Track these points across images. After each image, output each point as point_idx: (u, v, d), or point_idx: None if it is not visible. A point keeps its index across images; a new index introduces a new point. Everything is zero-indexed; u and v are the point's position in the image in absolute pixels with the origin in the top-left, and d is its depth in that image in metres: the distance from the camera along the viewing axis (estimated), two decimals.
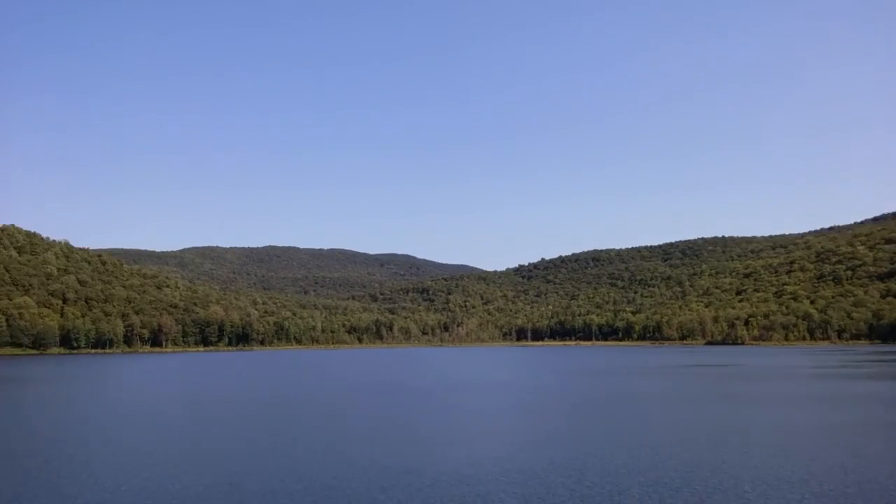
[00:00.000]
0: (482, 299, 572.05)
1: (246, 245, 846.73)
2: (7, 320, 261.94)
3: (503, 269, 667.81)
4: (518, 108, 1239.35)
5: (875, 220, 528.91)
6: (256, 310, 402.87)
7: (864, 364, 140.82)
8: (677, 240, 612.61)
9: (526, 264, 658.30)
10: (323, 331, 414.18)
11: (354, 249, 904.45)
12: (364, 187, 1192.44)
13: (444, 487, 32.55)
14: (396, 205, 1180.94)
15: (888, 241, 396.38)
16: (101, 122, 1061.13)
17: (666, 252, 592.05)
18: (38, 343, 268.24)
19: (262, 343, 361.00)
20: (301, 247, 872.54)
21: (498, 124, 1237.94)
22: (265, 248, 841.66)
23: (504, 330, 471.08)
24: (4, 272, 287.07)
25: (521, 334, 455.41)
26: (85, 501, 31.06)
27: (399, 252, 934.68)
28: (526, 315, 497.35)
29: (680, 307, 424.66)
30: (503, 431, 51.97)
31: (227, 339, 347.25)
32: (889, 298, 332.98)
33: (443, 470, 36.47)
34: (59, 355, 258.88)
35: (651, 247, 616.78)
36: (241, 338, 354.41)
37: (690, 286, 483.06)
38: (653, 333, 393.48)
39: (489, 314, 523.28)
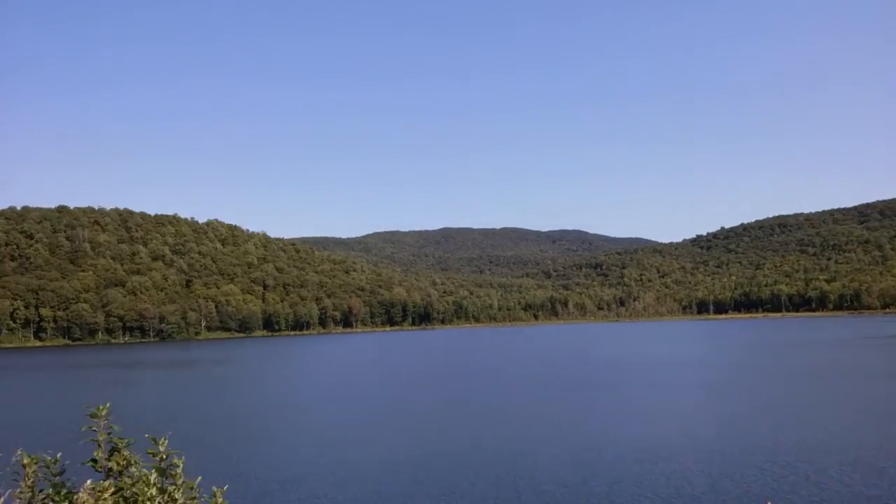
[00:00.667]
0: (658, 272, 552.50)
1: (423, 228, 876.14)
2: (216, 307, 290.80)
3: (679, 240, 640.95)
4: (692, 70, 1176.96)
5: None
6: (436, 290, 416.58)
7: None
8: (875, 200, 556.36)
9: (704, 234, 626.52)
10: (500, 308, 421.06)
11: (526, 227, 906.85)
12: (531, 165, 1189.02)
13: (627, 465, 33.29)
14: (566, 180, 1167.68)
15: None
16: (302, 118, 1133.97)
17: (862, 213, 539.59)
18: (244, 327, 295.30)
19: (442, 322, 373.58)
20: (475, 227, 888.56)
21: (656, 88, 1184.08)
22: (441, 230, 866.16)
23: (683, 303, 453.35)
24: (212, 263, 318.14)
25: (702, 307, 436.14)
26: (289, 473, 35.16)
27: (570, 228, 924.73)
28: (706, 287, 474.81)
29: (881, 273, 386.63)
30: (689, 408, 51.52)
31: (410, 319, 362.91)
32: None
33: (626, 447, 37.19)
34: (262, 337, 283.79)
35: (844, 209, 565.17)
36: (423, 317, 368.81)
37: (892, 250, 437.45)
38: (850, 302, 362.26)
39: (667, 287, 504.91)
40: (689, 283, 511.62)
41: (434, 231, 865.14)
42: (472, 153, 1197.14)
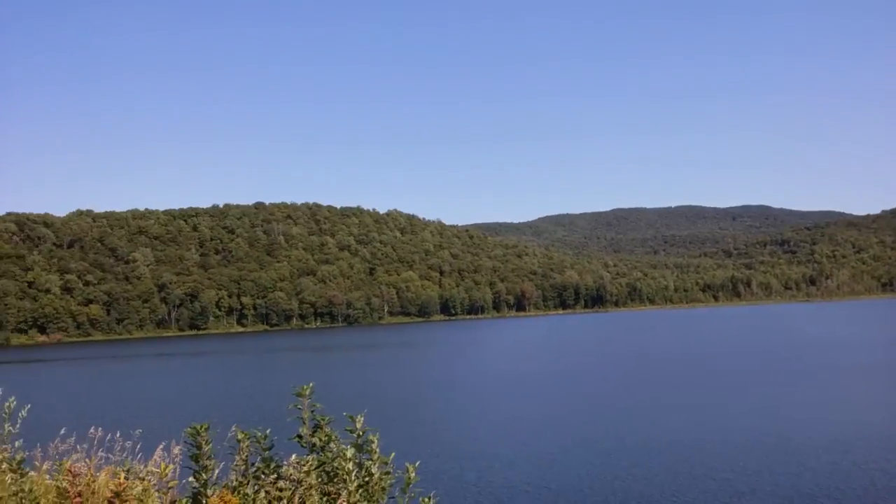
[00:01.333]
0: (853, 247, 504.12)
1: (595, 210, 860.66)
2: (397, 293, 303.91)
3: (877, 211, 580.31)
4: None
5: None
6: (608, 272, 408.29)
7: None
8: None
9: None
10: (676, 290, 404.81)
11: (703, 204, 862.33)
12: (704, 140, 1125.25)
13: (812, 454, 31.44)
14: (746, 152, 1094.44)
15: None
16: (440, 109, 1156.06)
17: None
18: (423, 311, 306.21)
19: (615, 304, 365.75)
20: (648, 207, 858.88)
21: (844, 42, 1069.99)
22: (613, 211, 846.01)
23: (883, 280, 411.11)
24: (392, 251, 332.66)
25: None
26: (470, 453, 36.15)
27: (752, 203, 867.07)
28: None
29: None
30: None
31: (582, 302, 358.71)
32: None
33: (815, 436, 35.05)
34: (440, 321, 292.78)
35: None
36: (596, 300, 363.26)
37: None
38: None
39: (863, 264, 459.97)
40: (890, 258, 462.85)
41: (606, 212, 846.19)
42: (641, 131, 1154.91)
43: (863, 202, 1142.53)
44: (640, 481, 28.25)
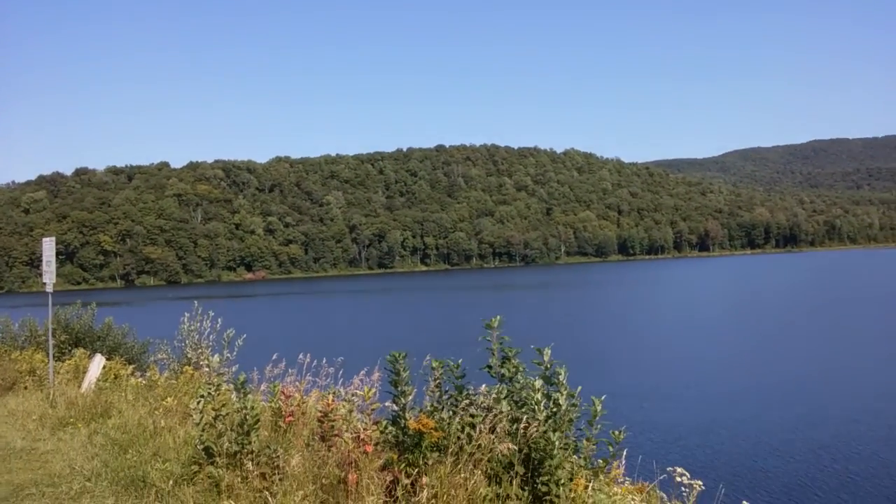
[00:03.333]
0: None
1: (788, 143, 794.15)
2: (574, 233, 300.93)
3: None
4: None
5: None
6: (804, 209, 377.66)
7: None
8: None
9: None
10: (881, 228, 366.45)
11: None
12: None
13: None
14: None
15: None
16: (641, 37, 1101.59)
17: None
18: (600, 251, 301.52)
19: (811, 244, 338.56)
20: (851, 137, 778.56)
21: None
22: (809, 143, 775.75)
23: None
24: (569, 191, 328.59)
25: None
26: (656, 394, 35.56)
27: None
28: None
29: None
30: None
31: (773, 241, 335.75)
32: None
33: None
34: (618, 262, 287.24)
35: None
36: (789, 239, 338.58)
37: None
38: None
39: None
40: None
41: (801, 144, 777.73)
42: (838, 54, 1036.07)
43: None
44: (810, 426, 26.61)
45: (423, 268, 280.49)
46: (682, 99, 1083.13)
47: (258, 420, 7.55)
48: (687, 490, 7.17)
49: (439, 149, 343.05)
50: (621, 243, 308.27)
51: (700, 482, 7.23)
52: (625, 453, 6.90)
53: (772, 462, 23.18)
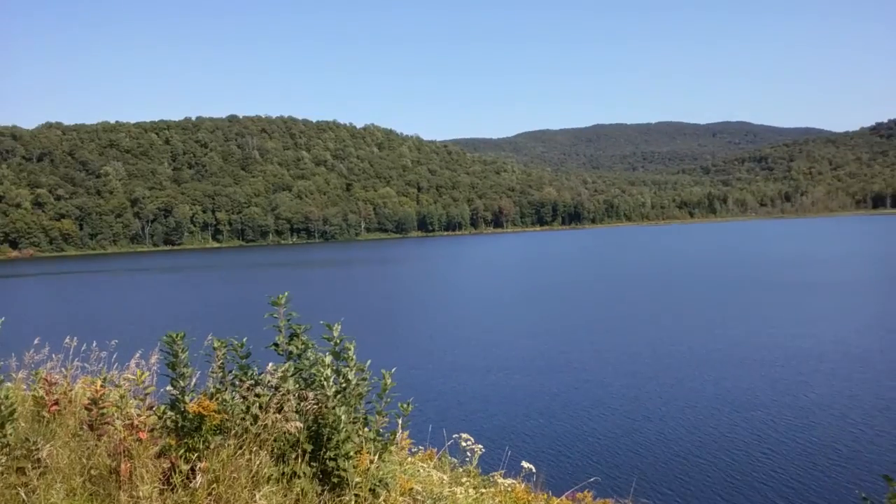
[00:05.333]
0: (830, 164, 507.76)
1: (574, 126, 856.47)
2: (374, 209, 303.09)
3: (856, 128, 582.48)
4: None
5: None
6: (587, 189, 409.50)
7: None
8: None
9: (885, 121, 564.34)
10: (653, 207, 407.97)
11: (683, 121, 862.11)
12: (688, 53, 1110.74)
13: (765, 367, 32.52)
14: (728, 69, 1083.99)
15: None
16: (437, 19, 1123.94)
17: None
18: (400, 228, 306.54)
19: (592, 221, 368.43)
20: (628, 123, 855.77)
21: None
22: (592, 127, 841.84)
23: (857, 197, 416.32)
24: (369, 167, 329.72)
25: (878, 201, 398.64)
26: (443, 365, 36.97)
27: (732, 119, 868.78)
28: (885, 179, 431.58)
29: None
30: (852, 310, 48.86)
31: (560, 219, 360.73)
32: None
33: (767, 350, 36.20)
34: (418, 238, 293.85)
35: None
36: (574, 217, 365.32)
37: None
38: None
39: (839, 181, 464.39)
40: (866, 175, 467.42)
41: (585, 128, 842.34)
42: (623, 44, 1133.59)
43: (843, 118, 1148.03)
44: (596, 387, 29.22)
45: (215, 244, 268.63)
46: (477, 82, 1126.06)
47: (14, 410, 6.74)
48: (470, 454, 7.45)
49: (232, 119, 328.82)
50: (420, 220, 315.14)
51: (481, 446, 7.51)
52: (431, 428, 6.97)
53: (543, 422, 25.03)
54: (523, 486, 7.22)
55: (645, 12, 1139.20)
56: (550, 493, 7.65)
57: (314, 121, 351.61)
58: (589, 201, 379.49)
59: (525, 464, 7.56)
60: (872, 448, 20.84)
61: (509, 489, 6.98)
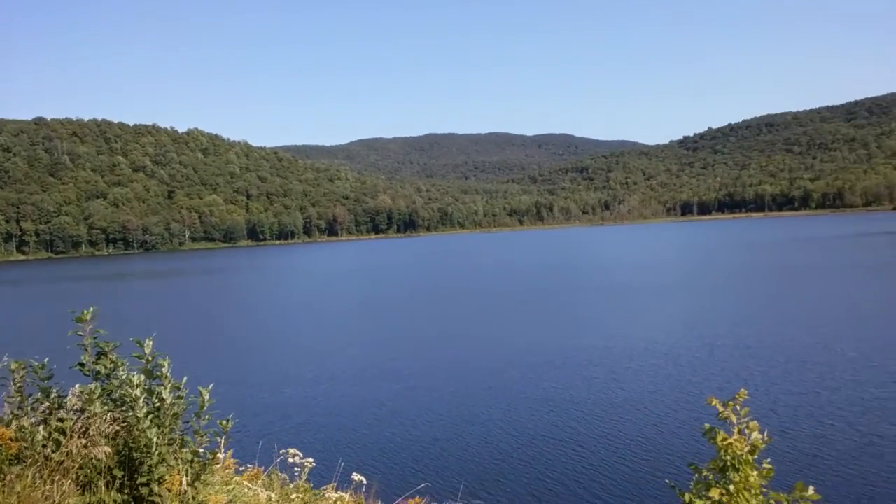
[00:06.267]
0: (644, 175, 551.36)
1: (408, 135, 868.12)
2: (200, 217, 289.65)
3: (666, 142, 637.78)
4: None
5: None
6: (421, 197, 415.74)
7: None
8: (864, 97, 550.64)
9: (691, 135, 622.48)
10: (485, 215, 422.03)
11: (511, 132, 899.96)
12: (518, 69, 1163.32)
13: (581, 367, 34.59)
14: (552, 84, 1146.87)
15: None
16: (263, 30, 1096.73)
17: (850, 111, 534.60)
18: (229, 237, 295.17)
19: (427, 229, 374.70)
20: (460, 133, 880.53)
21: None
22: (426, 136, 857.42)
23: (668, 205, 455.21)
24: (193, 173, 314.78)
25: (686, 209, 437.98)
26: (268, 379, 36.19)
27: (556, 132, 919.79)
28: (691, 189, 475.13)
29: (865, 171, 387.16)
30: (661, 310, 52.95)
31: (395, 227, 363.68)
32: None
33: (579, 350, 38.55)
34: (247, 247, 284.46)
35: (833, 106, 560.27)
36: (409, 224, 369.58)
37: (878, 147, 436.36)
38: (833, 201, 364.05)
39: (652, 190, 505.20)
40: (675, 185, 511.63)
41: (419, 137, 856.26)
42: (455, 58, 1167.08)
43: (655, 133, 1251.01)
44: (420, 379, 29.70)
45: (21, 257, 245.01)
46: (311, 87, 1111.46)
47: None
48: (300, 469, 7.30)
49: (39, 122, 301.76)
50: (251, 228, 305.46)
51: (311, 460, 7.38)
52: (260, 444, 6.65)
53: (374, 431, 24.93)
54: (354, 498, 7.11)
55: (478, 32, 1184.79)
56: (381, 503, 7.61)
57: (131, 124, 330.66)
58: (423, 209, 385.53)
59: (356, 475, 7.46)
60: (678, 439, 22.45)
61: (338, 503, 6.85)
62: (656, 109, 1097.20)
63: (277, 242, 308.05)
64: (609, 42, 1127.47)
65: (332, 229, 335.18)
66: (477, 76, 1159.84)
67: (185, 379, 5.96)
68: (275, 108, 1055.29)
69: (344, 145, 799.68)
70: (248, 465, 7.37)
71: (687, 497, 4.54)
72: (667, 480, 5.42)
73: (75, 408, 5.97)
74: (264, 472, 7.27)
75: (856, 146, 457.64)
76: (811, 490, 4.36)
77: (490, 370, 33.51)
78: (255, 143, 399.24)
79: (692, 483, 4.68)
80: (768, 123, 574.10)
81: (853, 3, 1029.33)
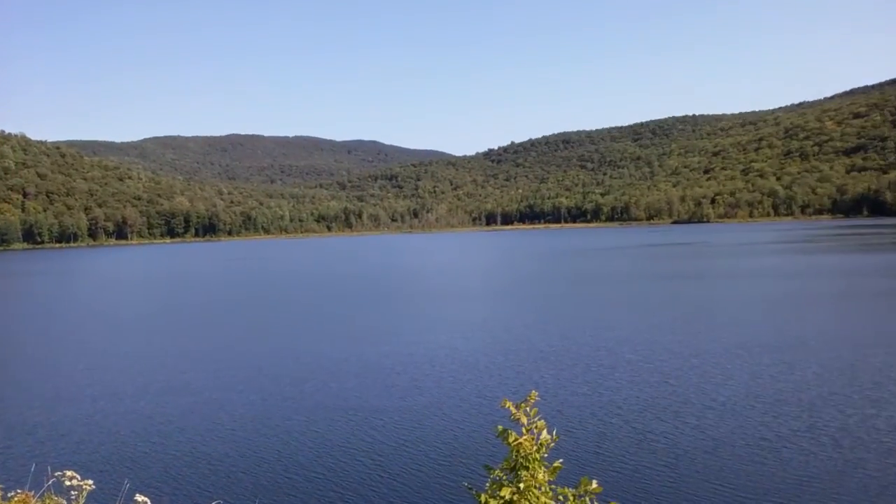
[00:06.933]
0: (451, 185, 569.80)
1: (208, 134, 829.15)
2: None
3: (472, 153, 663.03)
4: None
5: (845, 94, 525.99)
6: (222, 200, 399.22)
7: (820, 238, 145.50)
8: (648, 119, 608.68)
9: (495, 148, 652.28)
10: (291, 220, 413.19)
11: (320, 136, 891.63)
12: (328, 73, 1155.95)
13: (383, 375, 34.29)
14: (362, 90, 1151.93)
15: (856, 116, 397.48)
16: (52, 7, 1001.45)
17: (636, 132, 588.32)
18: (1, 239, 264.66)
19: (229, 233, 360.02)
20: (265, 135, 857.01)
21: (461, 10, 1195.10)
22: (228, 136, 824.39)
23: (474, 215, 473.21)
24: None
25: (490, 219, 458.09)
26: (49, 398, 32.34)
27: (366, 138, 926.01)
28: (495, 200, 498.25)
29: (648, 188, 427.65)
30: (461, 317, 54.00)
31: (193, 231, 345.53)
32: (853, 173, 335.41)
33: (380, 358, 38.24)
34: (23, 251, 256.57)
35: (621, 127, 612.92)
36: (208, 228, 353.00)
37: (659, 166, 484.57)
38: (621, 214, 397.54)
39: (459, 199, 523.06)
40: (480, 195, 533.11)
41: (221, 137, 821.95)
42: (264, 57, 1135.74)
43: (462, 144, 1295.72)
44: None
45: None
46: (99, 77, 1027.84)
47: None
48: (77, 492, 6.88)
49: None
50: (27, 230, 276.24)
51: (90, 482, 6.90)
52: (34, 467, 6.21)
53: (162, 448, 22.71)
54: None
55: (287, 30, 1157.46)
56: None
57: None
58: (225, 213, 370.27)
59: (139, 497, 6.85)
60: (476, 442, 22.50)
61: None
62: (463, 122, 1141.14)
63: (58, 246, 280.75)
64: (416, 54, 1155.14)
65: (121, 232, 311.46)
66: (284, 77, 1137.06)
67: None
68: (58, 99, 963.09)
69: (137, 142, 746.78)
70: (17, 491, 6.91)
71: (482, 497, 4.70)
72: (464, 483, 5.61)
73: None
74: (36, 496, 6.86)
75: (641, 164, 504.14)
76: (594, 483, 4.67)
77: (288, 381, 31.99)
78: (34, 136, 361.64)
79: (487, 484, 4.83)
80: (565, 140, 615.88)
81: (637, 37, 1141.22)
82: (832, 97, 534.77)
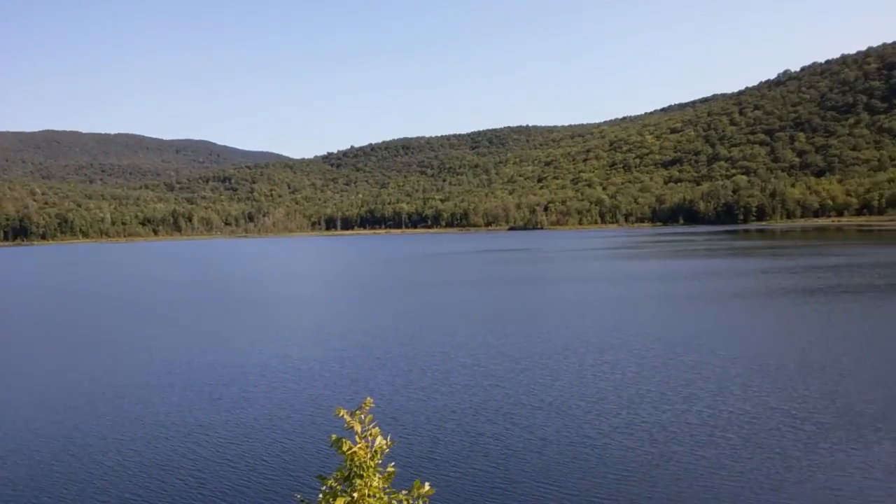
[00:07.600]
0: (289, 188, 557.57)
1: (20, 129, 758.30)
2: None
3: (311, 156, 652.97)
4: None
5: (663, 110, 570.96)
6: (35, 201, 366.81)
7: (641, 245, 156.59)
8: (485, 128, 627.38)
9: (335, 152, 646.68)
10: (113, 223, 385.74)
11: (145, 135, 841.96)
12: (153, 67, 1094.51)
13: (203, 388, 32.94)
14: (192, 87, 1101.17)
15: (673, 131, 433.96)
16: None
17: (474, 140, 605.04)
18: None
19: (43, 237, 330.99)
20: (84, 131, 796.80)
21: (310, 9, 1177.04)
22: (43, 132, 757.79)
23: (313, 219, 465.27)
24: None
25: (330, 224, 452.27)
26: None
27: (196, 138, 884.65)
28: (335, 204, 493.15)
29: (486, 195, 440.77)
30: (296, 324, 52.90)
31: (2, 234, 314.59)
32: (671, 185, 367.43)
33: (206, 369, 36.73)
34: None
35: (460, 135, 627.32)
36: (19, 231, 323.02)
37: (496, 174, 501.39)
38: (460, 220, 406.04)
39: (297, 203, 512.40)
40: (319, 199, 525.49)
41: (34, 133, 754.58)
42: (83, 45, 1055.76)
43: (300, 147, 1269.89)
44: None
45: None
46: None
47: None
48: None
49: None
50: None
51: None
52: None
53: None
54: None
55: (110, 20, 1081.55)
56: None
57: None
58: (38, 215, 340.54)
59: None
60: (311, 454, 21.81)
61: None
62: (301, 124, 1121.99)
63: None
64: (249, 49, 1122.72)
65: None
66: (106, 70, 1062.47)
67: None
68: None
69: None
70: None
71: None
72: (297, 495, 5.53)
73: None
74: None
75: (479, 172, 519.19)
76: (427, 486, 4.71)
77: (104, 396, 29.52)
78: None
79: (320, 495, 4.77)
80: (405, 146, 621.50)
81: (476, 49, 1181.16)
82: (652, 112, 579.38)
